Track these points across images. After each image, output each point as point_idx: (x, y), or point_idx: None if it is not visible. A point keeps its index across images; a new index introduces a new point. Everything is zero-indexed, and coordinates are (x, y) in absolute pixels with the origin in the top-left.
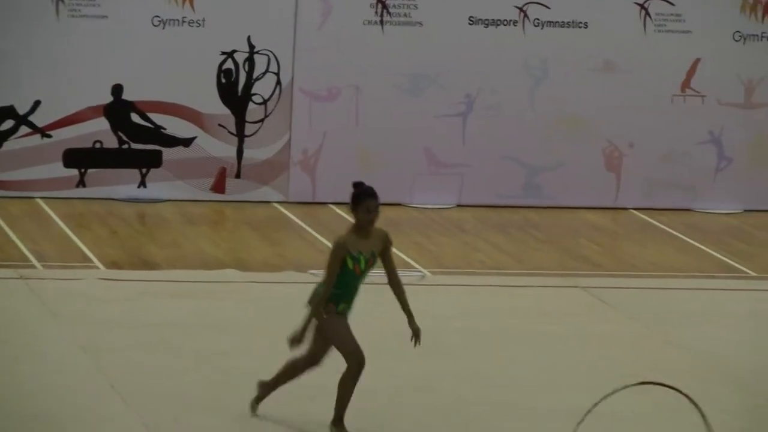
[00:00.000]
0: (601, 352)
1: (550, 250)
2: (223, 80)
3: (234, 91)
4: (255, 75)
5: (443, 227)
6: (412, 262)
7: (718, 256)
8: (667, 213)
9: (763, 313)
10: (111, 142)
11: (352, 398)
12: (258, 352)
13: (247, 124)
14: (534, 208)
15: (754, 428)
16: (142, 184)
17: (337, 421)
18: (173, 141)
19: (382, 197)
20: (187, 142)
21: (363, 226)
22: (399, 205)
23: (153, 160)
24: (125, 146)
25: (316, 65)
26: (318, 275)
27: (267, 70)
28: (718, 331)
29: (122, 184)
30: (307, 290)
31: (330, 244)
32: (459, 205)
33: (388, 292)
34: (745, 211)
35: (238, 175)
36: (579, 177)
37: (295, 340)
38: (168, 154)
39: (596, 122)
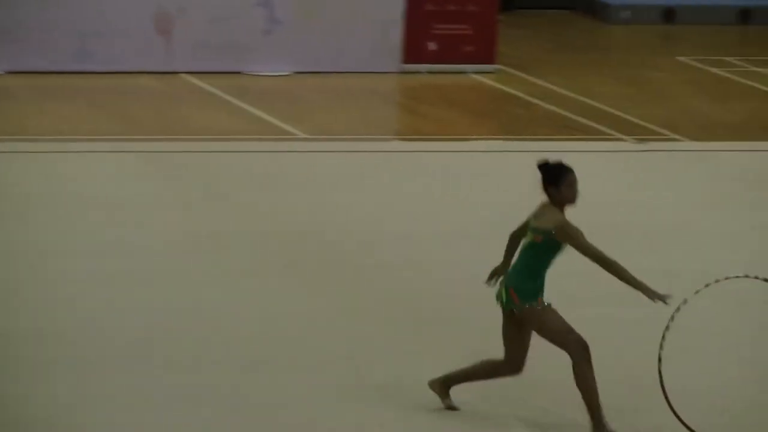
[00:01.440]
0: (165, 215)
1: (104, 116)
2: None
3: None
4: None
5: None
6: None
7: (269, 118)
8: (219, 76)
9: (312, 173)
10: None
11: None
12: None
13: None
14: (85, 74)
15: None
16: None
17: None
18: None
19: None
20: None
21: (569, 203)
22: None
23: None
24: None
25: None
26: None
27: None
28: (269, 193)
29: None
30: None
31: None
32: (9, 73)
33: None
34: (295, 73)
35: None
36: (130, 42)
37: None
38: None
39: None
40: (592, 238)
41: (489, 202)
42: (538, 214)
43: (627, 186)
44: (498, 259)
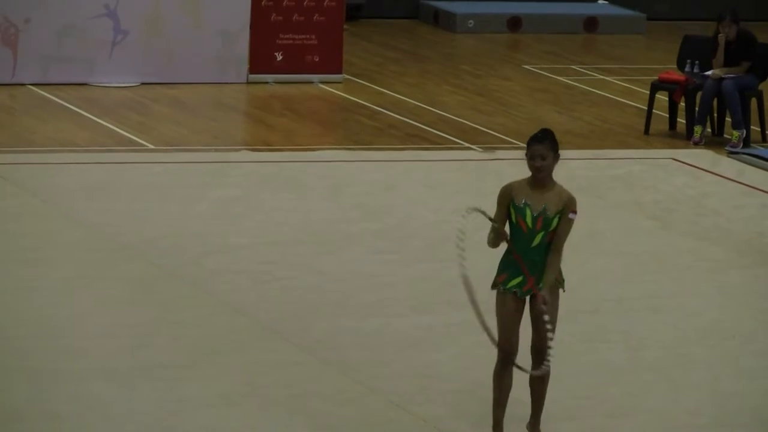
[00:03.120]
0: (6, 225)
1: None
2: None
3: None
4: None
5: None
6: None
7: (117, 129)
8: (65, 88)
9: (161, 184)
10: None
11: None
12: None
13: None
14: None
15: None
16: None
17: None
18: None
19: None
20: None
21: (532, 175)
22: None
23: None
24: None
25: None
26: None
27: None
28: (116, 204)
29: None
30: None
31: None
32: None
33: None
34: (142, 84)
35: None
36: None
37: None
38: None
39: None
40: (441, 247)
41: (334, 211)
42: None
43: (475, 194)
44: (328, 269)
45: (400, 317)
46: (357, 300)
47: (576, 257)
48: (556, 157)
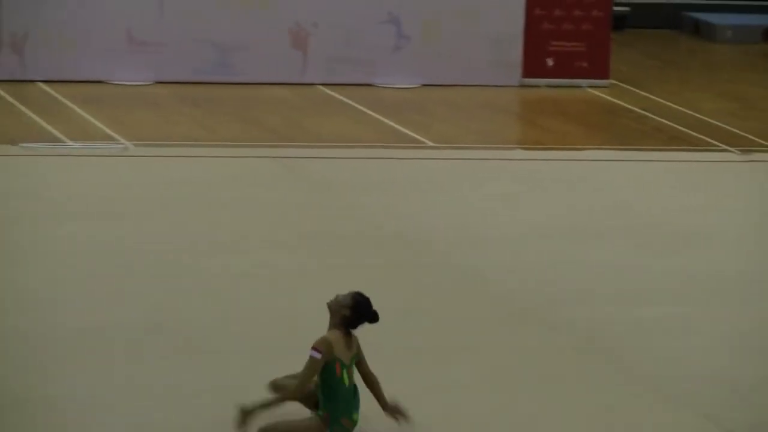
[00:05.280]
0: (283, 216)
1: (241, 123)
2: None
3: None
4: None
5: (142, 102)
6: (115, 135)
7: (398, 127)
8: (351, 88)
9: (438, 179)
10: None
11: None
12: None
13: None
14: (224, 84)
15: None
16: None
17: None
18: None
19: (85, 75)
20: None
21: None
22: (100, 82)
23: None
24: None
25: None
26: (28, 148)
27: None
28: (394, 199)
29: None
30: (18, 162)
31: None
32: (157, 82)
33: None
34: (422, 85)
35: None
36: (268, 55)
37: None
38: None
39: (282, 3)
40: (689, 242)
41: (597, 206)
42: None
43: (732, 194)
44: (604, 258)
45: (658, 306)
46: (617, 289)
47: None
48: (335, 318)
